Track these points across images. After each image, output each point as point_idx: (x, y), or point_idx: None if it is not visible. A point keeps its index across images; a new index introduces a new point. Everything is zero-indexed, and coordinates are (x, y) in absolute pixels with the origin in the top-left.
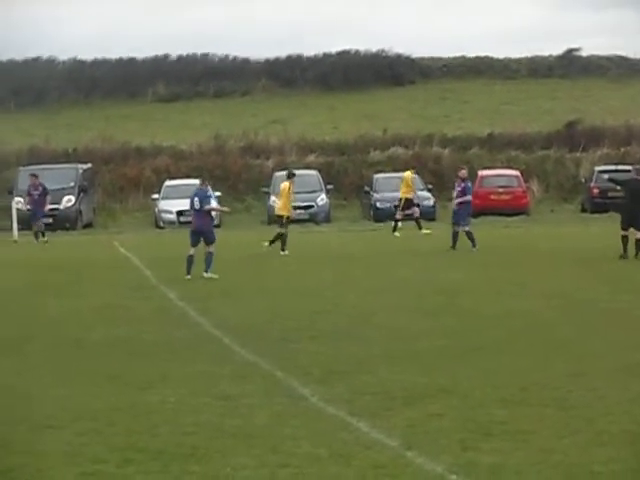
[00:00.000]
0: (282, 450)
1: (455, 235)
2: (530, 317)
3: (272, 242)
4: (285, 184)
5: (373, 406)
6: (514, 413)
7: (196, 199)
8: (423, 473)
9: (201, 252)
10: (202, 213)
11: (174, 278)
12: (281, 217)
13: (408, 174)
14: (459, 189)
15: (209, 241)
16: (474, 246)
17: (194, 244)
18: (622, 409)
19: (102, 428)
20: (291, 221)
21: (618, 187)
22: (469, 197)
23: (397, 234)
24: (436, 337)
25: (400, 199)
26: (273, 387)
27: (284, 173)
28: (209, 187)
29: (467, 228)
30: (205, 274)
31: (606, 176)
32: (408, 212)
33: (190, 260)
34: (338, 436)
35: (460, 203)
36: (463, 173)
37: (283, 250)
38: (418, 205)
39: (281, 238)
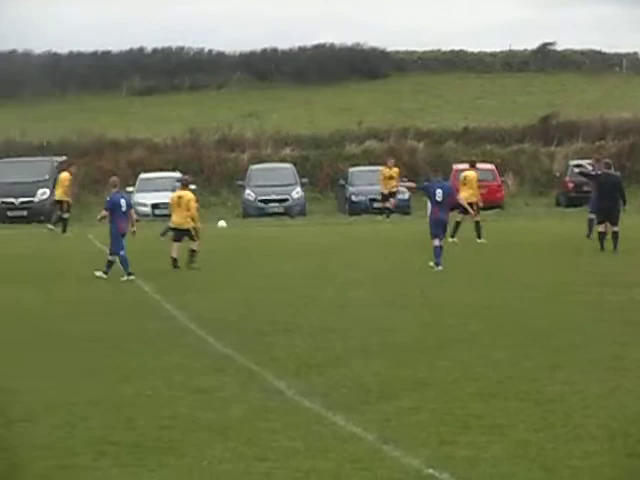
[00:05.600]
0: (258, 443)
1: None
2: (507, 309)
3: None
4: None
5: (349, 400)
6: (491, 406)
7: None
8: (400, 467)
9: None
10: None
11: (149, 271)
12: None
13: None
14: None
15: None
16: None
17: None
18: (598, 403)
19: (77, 421)
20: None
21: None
22: None
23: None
24: (412, 330)
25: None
26: (248, 380)
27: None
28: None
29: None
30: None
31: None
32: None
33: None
34: (314, 430)
35: None
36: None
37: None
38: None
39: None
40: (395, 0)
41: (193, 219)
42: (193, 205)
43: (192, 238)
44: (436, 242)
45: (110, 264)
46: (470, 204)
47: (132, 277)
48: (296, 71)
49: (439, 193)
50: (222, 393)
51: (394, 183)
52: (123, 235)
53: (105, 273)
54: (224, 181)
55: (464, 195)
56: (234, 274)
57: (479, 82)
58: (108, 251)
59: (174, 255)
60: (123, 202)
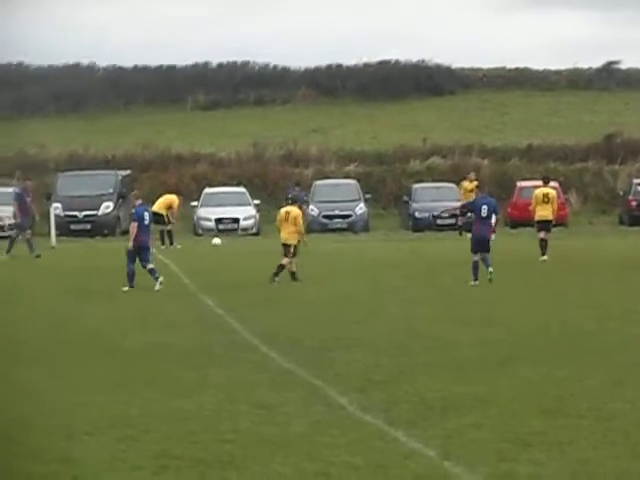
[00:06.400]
0: (320, 459)
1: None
2: (568, 327)
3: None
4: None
5: (410, 415)
6: (551, 424)
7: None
8: None
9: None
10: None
11: (212, 286)
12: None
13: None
14: None
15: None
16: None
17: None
18: None
19: (139, 435)
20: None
21: None
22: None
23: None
24: (475, 347)
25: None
26: (311, 395)
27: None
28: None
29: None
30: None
31: None
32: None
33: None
34: (375, 445)
35: None
36: None
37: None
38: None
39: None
40: (460, 17)
41: (300, 234)
42: (300, 221)
43: (286, 254)
44: (475, 257)
45: (152, 271)
46: (547, 222)
47: (128, 290)
48: (361, 87)
49: (484, 209)
50: (284, 408)
51: (473, 197)
52: (142, 248)
53: (156, 279)
54: None
55: (543, 213)
56: (297, 289)
57: (544, 100)
58: (143, 264)
59: (292, 269)
60: (147, 215)
